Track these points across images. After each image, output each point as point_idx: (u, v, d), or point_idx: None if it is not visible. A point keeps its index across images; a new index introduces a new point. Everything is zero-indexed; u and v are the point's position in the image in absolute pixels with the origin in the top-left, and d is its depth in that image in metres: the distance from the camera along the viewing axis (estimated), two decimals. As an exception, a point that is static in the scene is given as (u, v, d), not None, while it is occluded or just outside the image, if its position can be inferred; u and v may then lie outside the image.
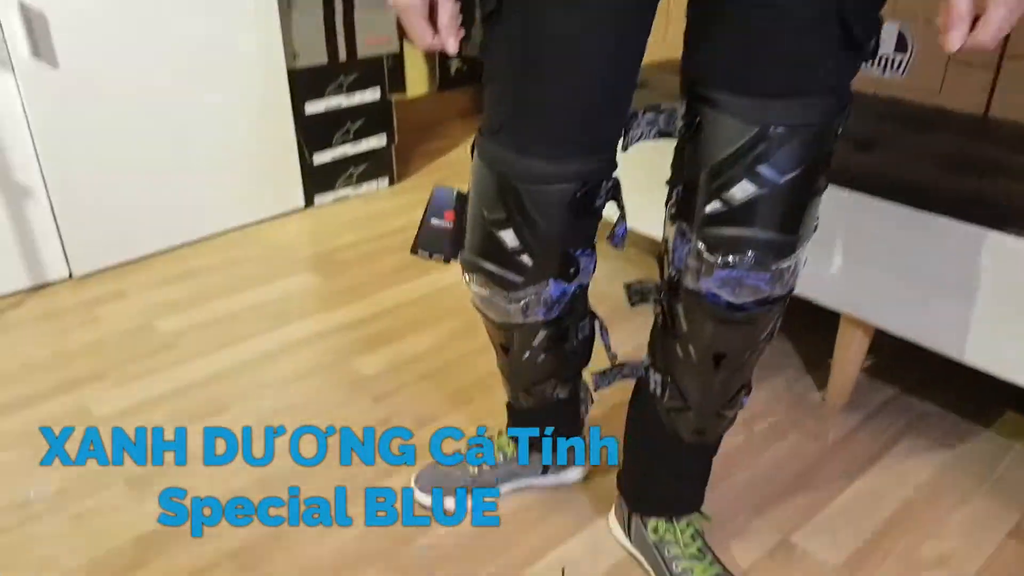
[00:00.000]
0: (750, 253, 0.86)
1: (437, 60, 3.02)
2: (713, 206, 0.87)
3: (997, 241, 1.24)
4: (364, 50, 2.36)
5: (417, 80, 3.11)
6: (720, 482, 1.37)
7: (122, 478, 1.39)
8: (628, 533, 1.22)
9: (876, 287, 1.40)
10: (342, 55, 2.32)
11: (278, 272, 2.07)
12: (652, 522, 1.18)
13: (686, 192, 0.91)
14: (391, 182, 2.59)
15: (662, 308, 1.01)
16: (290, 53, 2.22)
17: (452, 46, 0.86)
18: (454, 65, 3.07)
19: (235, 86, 2.13)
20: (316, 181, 2.40)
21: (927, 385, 1.63)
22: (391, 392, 1.62)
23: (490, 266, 1.00)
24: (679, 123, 0.91)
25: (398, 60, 3.04)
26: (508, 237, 0.96)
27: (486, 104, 0.93)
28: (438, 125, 3.16)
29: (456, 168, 2.75)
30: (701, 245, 0.89)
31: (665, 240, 0.98)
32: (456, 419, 1.54)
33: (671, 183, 0.95)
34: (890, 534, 1.28)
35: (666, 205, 0.97)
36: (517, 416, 1.28)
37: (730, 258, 0.87)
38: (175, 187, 2.11)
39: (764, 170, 0.82)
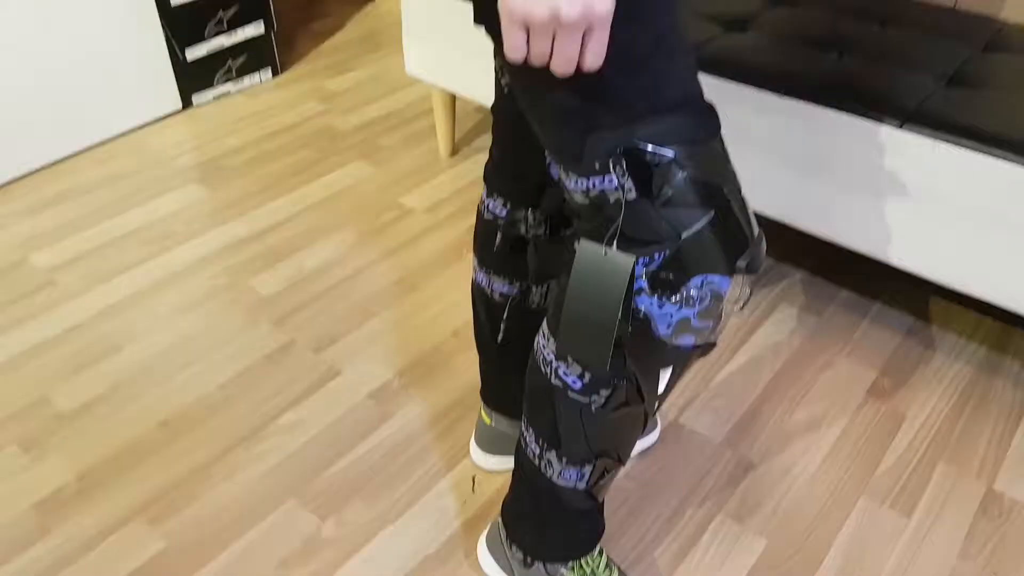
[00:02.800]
0: None
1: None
2: None
3: (852, 124, 1.28)
4: (229, -70, 2.16)
5: (294, -48, 2.88)
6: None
7: (15, 440, 1.35)
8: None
9: (760, 176, 1.43)
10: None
11: (160, 187, 1.96)
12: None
13: None
14: (275, 72, 2.44)
15: None
16: (145, -62, 2.01)
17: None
18: (332, -66, 2.84)
19: (87, -19, 1.94)
20: (191, 78, 2.24)
21: (795, 253, 1.74)
22: (290, 313, 1.59)
23: None
24: None
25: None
26: None
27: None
28: (319, 2, 2.96)
29: (345, 52, 2.61)
30: None
31: None
32: (358, 336, 1.53)
33: None
34: (766, 405, 1.40)
35: None
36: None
37: None
38: (36, 100, 1.94)
39: None
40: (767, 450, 1.32)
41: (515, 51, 0.66)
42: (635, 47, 0.71)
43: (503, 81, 0.97)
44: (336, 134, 2.17)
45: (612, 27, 0.68)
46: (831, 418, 1.38)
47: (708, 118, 0.77)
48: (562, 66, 0.66)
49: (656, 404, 0.90)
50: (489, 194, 1.06)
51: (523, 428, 0.98)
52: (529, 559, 1.07)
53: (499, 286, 1.10)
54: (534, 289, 1.10)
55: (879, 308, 1.59)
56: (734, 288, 0.79)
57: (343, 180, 1.98)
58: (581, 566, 1.07)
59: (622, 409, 0.88)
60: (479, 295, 1.14)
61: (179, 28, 2.16)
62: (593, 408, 0.87)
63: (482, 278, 1.11)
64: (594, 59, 0.66)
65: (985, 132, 1.22)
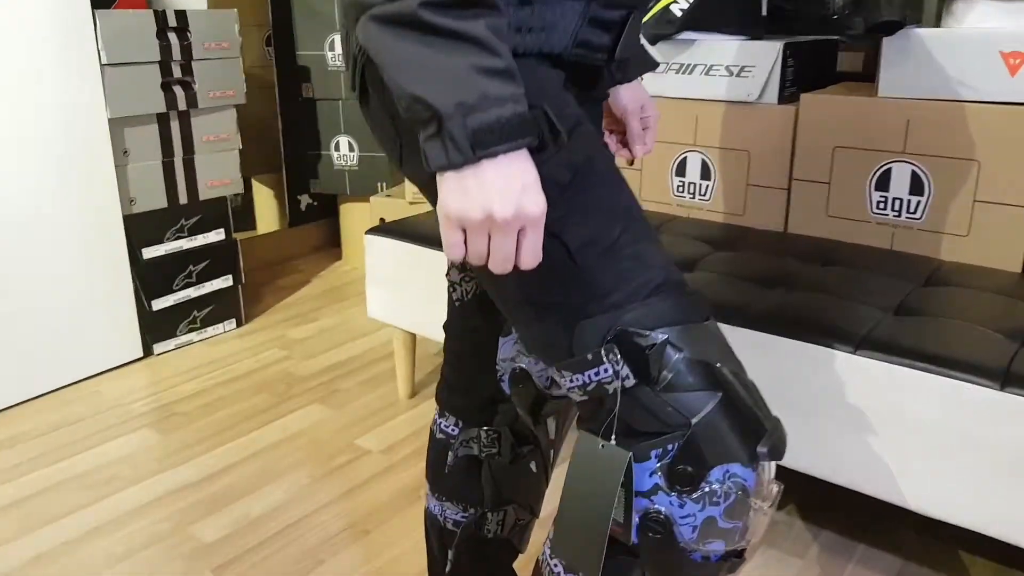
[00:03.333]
0: None
1: (287, 196, 3.00)
2: None
3: (806, 351, 1.32)
4: (206, 192, 2.31)
5: (268, 217, 3.07)
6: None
7: None
8: None
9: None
10: (183, 198, 2.26)
11: (109, 433, 1.92)
12: None
13: None
14: (239, 324, 2.50)
15: None
16: (126, 199, 2.15)
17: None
18: (304, 201, 3.05)
19: (65, 236, 2.03)
20: (156, 328, 2.29)
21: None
22: (233, 561, 1.50)
23: None
24: None
25: (247, 198, 3.00)
26: None
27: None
28: (289, 261, 3.11)
29: (307, 305, 2.69)
30: None
31: None
32: (304, 586, 1.44)
33: None
34: None
35: None
36: None
37: None
38: (-6, 345, 1.96)
39: None
40: None
41: (453, 249, 0.68)
42: (602, 234, 0.73)
43: (454, 296, 1.01)
44: (294, 379, 2.18)
45: (570, 222, 0.71)
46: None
47: (696, 301, 0.76)
48: (499, 264, 0.68)
49: None
50: (441, 414, 1.06)
51: None
52: None
53: (452, 513, 1.07)
54: (489, 516, 1.06)
55: (864, 550, 1.52)
56: (760, 482, 0.73)
57: (298, 424, 1.96)
58: None
59: None
60: (432, 525, 1.10)
61: (149, 280, 2.23)
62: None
63: (435, 506, 1.08)
64: (529, 258, 0.68)
65: (937, 355, 1.26)
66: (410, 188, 2.60)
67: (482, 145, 0.63)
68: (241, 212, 2.98)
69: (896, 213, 1.81)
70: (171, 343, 2.33)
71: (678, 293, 0.75)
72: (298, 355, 2.33)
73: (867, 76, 2.24)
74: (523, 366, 0.97)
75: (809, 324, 1.37)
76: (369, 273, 1.98)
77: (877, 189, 1.83)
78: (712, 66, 2.00)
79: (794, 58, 1.96)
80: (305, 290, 2.83)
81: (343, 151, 2.80)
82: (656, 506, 0.72)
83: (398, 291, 1.93)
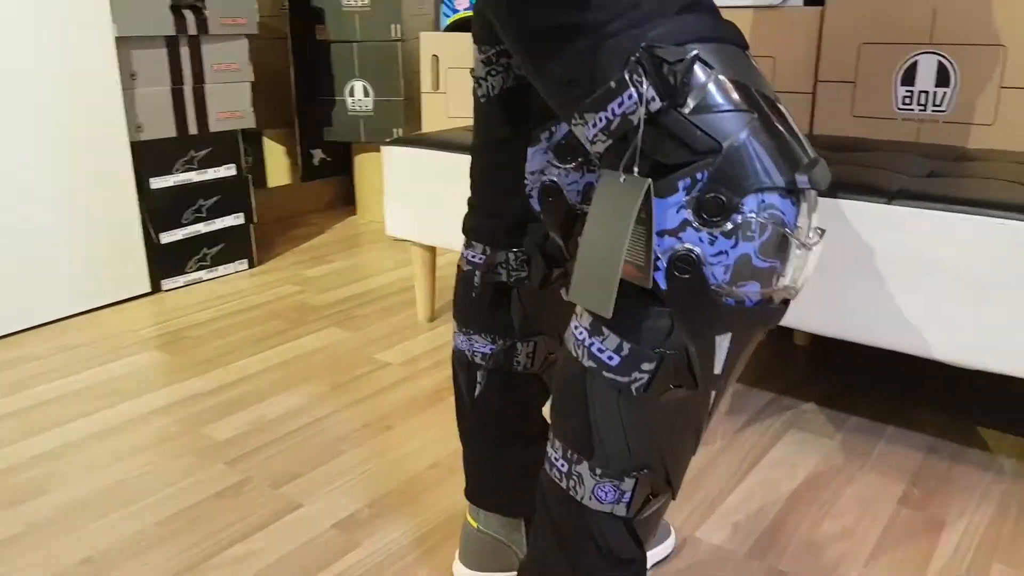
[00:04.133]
0: None
1: (299, 151, 2.94)
2: None
3: (839, 206, 1.23)
4: (217, 124, 2.24)
5: (279, 171, 3.00)
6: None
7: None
8: None
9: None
10: (192, 128, 2.19)
11: (116, 353, 1.83)
12: None
13: None
14: (251, 264, 2.42)
15: None
16: (133, 125, 2.08)
17: None
18: (317, 156, 2.99)
19: (69, 160, 1.96)
20: (163, 262, 2.21)
21: (798, 387, 1.64)
22: (248, 454, 1.41)
23: None
24: None
25: (258, 156, 2.94)
26: None
27: None
28: (302, 215, 3.04)
29: (321, 251, 2.61)
30: None
31: None
32: (323, 472, 1.34)
33: None
34: (789, 519, 1.22)
35: None
36: None
37: None
38: (1, 271, 1.88)
39: None
40: (799, 560, 1.11)
41: None
42: None
43: (479, 93, 0.93)
44: (310, 309, 2.09)
45: None
46: (864, 528, 1.19)
47: (728, 25, 0.68)
48: None
49: (713, 395, 0.71)
50: (467, 245, 0.97)
51: (549, 449, 0.78)
52: None
53: (480, 346, 0.98)
54: (519, 347, 0.97)
55: (893, 431, 1.46)
56: (800, 216, 0.65)
57: (315, 343, 1.88)
58: None
59: (670, 394, 0.69)
60: (460, 363, 1.01)
61: (157, 212, 2.16)
62: (634, 390, 0.69)
63: (462, 341, 0.99)
64: None
65: (970, 199, 1.18)
66: (428, 128, 2.53)
67: None
68: (252, 169, 2.91)
69: (922, 107, 1.75)
70: (180, 279, 2.25)
71: (712, 13, 0.67)
72: (313, 289, 2.24)
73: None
74: (553, 179, 0.89)
75: (843, 184, 1.29)
76: (388, 189, 1.90)
77: (903, 84, 1.76)
78: (738, -30, 1.94)
79: (823, -43, 1.90)
80: (319, 239, 2.75)
81: (358, 96, 2.73)
82: (685, 244, 0.65)
83: (418, 204, 1.85)
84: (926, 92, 1.74)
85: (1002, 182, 1.29)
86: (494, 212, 0.94)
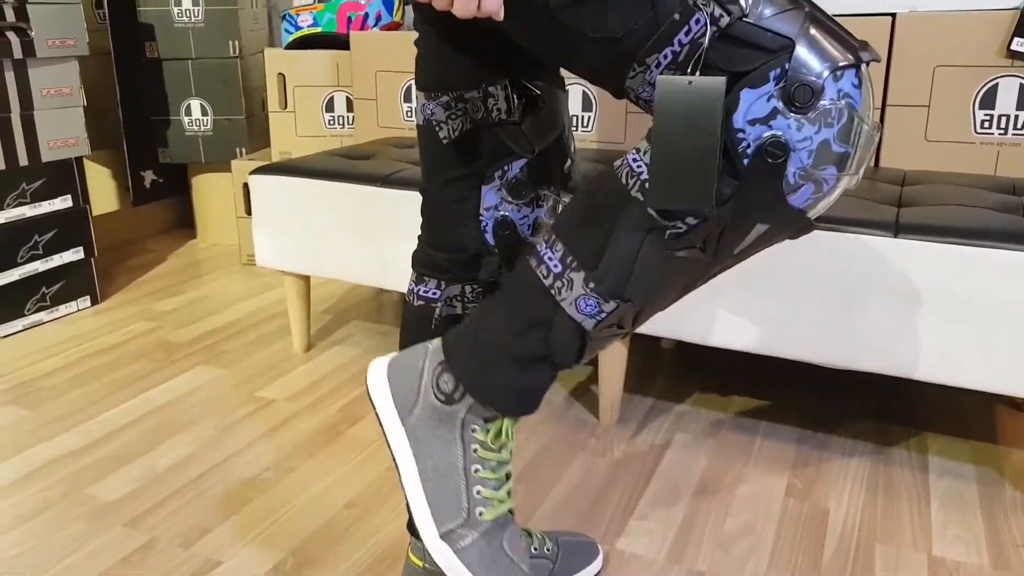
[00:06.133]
0: None
1: (128, 173, 2.77)
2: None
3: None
4: (49, 153, 2.09)
5: (105, 196, 2.81)
6: (538, 508, 1.34)
7: None
8: None
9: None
10: (23, 159, 2.03)
11: (-35, 411, 1.68)
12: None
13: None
14: (94, 301, 2.27)
15: None
16: (-46, 159, 1.90)
17: (501, 11, 0.74)
18: (148, 178, 2.83)
19: None
20: (0, 306, 2.03)
21: (674, 391, 1.78)
22: (147, 512, 1.35)
23: None
24: (499, 104, 0.90)
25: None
26: None
27: None
28: (136, 242, 2.87)
29: (168, 281, 2.49)
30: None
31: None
32: (236, 523, 1.32)
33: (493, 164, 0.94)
34: (696, 521, 1.34)
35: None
36: None
37: None
38: None
39: None
40: (713, 560, 1.24)
41: None
42: None
43: (441, 135, 0.96)
44: (172, 346, 2.01)
45: None
46: (762, 522, 1.33)
47: None
48: (461, 8, 0.71)
49: (718, 268, 0.81)
50: (419, 280, 1.01)
51: (541, 248, 0.84)
52: (458, 394, 0.88)
53: None
54: None
55: (766, 425, 1.63)
56: (866, 99, 0.73)
57: (188, 384, 1.81)
58: (499, 435, 0.89)
59: (690, 252, 0.77)
60: None
61: (-13, 252, 1.98)
62: (667, 235, 0.76)
63: None
64: (490, 2, 0.71)
65: (830, 216, 1.36)
66: (277, 148, 2.48)
67: None
68: (82, 182, 2.70)
69: (1002, 131, 1.76)
70: (18, 323, 2.08)
71: None
72: (170, 325, 2.14)
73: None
74: (507, 214, 0.96)
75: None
76: (256, 218, 1.85)
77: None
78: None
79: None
80: (162, 267, 2.62)
81: (195, 115, 2.62)
82: (775, 130, 0.72)
83: (289, 233, 1.82)
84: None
85: (844, 197, 1.47)
86: (449, 248, 0.99)
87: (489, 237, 0.98)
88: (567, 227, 0.83)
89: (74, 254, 2.19)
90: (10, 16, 1.94)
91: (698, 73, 0.73)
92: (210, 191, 2.77)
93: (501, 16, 0.73)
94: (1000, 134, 1.74)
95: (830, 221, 1.34)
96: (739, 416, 1.67)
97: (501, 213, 0.96)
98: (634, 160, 0.79)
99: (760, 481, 1.44)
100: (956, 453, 1.52)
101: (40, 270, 2.10)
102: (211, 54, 2.57)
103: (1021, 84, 1.70)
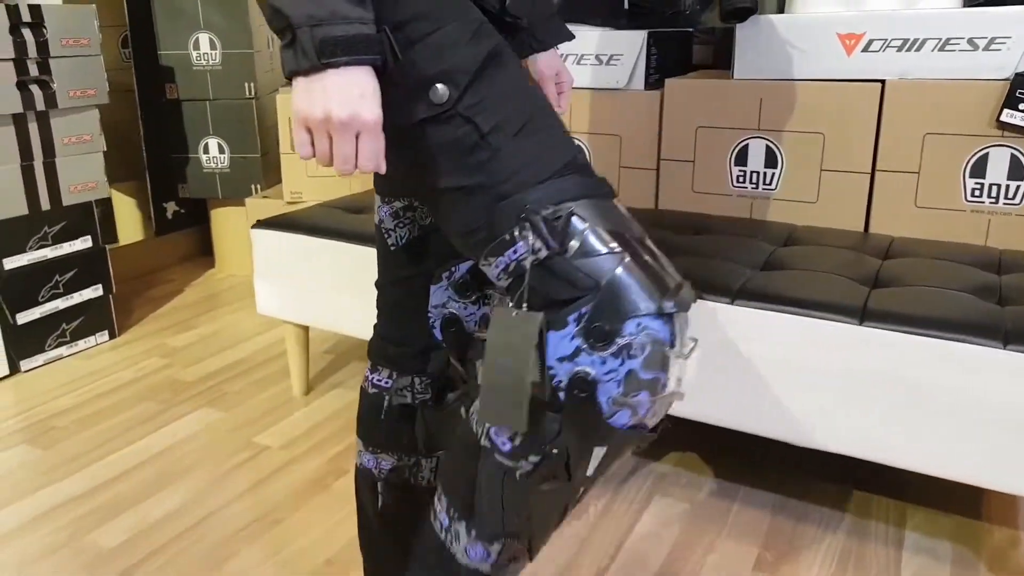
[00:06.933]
0: None
1: (151, 204, 2.89)
2: None
3: (713, 310, 1.42)
4: (70, 197, 2.20)
5: (130, 226, 2.94)
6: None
7: None
8: None
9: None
10: (45, 204, 2.14)
11: (-18, 451, 1.80)
12: None
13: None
14: (112, 335, 2.39)
15: None
16: (-19, 206, 2.02)
17: (384, 166, 0.81)
18: (171, 209, 2.95)
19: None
20: (21, 343, 2.15)
21: (658, 450, 1.81)
22: (139, 563, 1.45)
23: None
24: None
25: (107, 209, 2.86)
26: None
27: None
28: (157, 272, 2.99)
29: (183, 314, 2.60)
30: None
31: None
32: (220, 579, 1.41)
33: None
34: None
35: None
36: None
37: None
38: None
39: None
40: (662, 634, 1.29)
41: (302, 148, 0.78)
42: (512, 119, 0.81)
43: (389, 242, 1.03)
44: (180, 386, 2.11)
45: (481, 108, 0.80)
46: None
47: (598, 182, 0.84)
48: (340, 163, 0.77)
49: (581, 489, 0.87)
50: (373, 369, 1.08)
51: (435, 500, 0.92)
52: None
53: (387, 464, 1.08)
54: (423, 463, 1.09)
55: (745, 491, 1.66)
56: (675, 334, 0.79)
57: (189, 428, 1.91)
58: None
59: (547, 483, 0.84)
60: (365, 481, 1.11)
61: (13, 292, 2.10)
62: (518, 475, 0.83)
63: (368, 460, 1.09)
64: (366, 161, 0.77)
65: (793, 298, 1.40)
66: (288, 187, 2.57)
67: (327, 55, 0.73)
68: (105, 221, 2.83)
69: (754, 185, 1.98)
70: (39, 359, 2.20)
71: (583, 173, 0.83)
72: (180, 362, 2.25)
73: (718, 65, 2.42)
74: (454, 311, 1.02)
75: (693, 282, 1.48)
76: (257, 269, 1.94)
77: (736, 164, 1.98)
78: (582, 55, 2.11)
79: (657, 47, 2.09)
80: (179, 299, 2.73)
81: (213, 153, 2.73)
82: (580, 367, 0.78)
83: (288, 285, 1.91)
84: (757, 172, 1.96)
85: (827, 275, 1.52)
86: (400, 341, 1.06)
87: (437, 333, 1.04)
88: (446, 477, 0.91)
89: (93, 291, 2.30)
90: (33, 70, 2.05)
91: (526, 292, 0.80)
92: (228, 224, 2.88)
93: (383, 170, 0.80)
94: (991, 203, 1.78)
95: (801, 305, 1.39)
96: (719, 479, 1.70)
97: (448, 310, 1.03)
98: (476, 425, 0.86)
99: (731, 553, 1.47)
100: (935, 529, 1.54)
101: (60, 308, 2.22)
102: (228, 95, 2.67)
103: (1012, 154, 1.74)
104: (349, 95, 0.74)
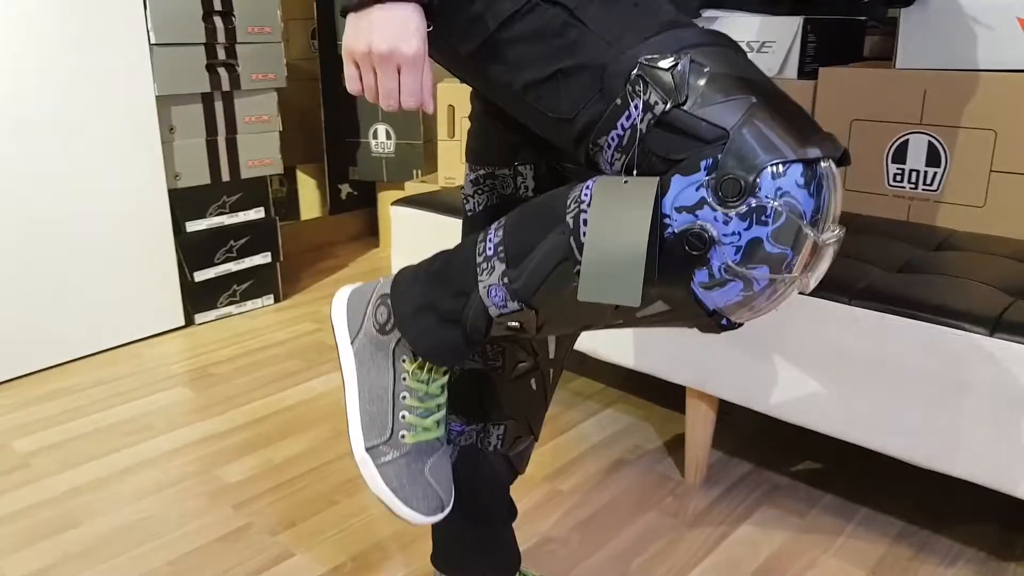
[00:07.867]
0: None
1: (327, 185, 3.11)
2: None
3: (826, 310, 1.34)
4: (247, 171, 2.42)
5: (311, 204, 3.18)
6: (582, 562, 1.38)
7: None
8: None
9: (718, 359, 1.47)
10: (225, 176, 2.38)
11: (147, 389, 2.02)
12: None
13: None
14: (276, 299, 2.60)
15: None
16: (171, 174, 2.27)
17: (430, 104, 0.82)
18: (344, 190, 3.16)
19: (114, 207, 2.15)
20: (197, 298, 2.40)
21: (778, 459, 1.70)
22: (252, 499, 1.58)
23: None
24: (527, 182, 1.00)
25: (291, 188, 3.12)
26: None
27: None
28: (328, 247, 3.21)
29: (343, 285, 2.78)
30: None
31: None
32: (318, 521, 1.50)
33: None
34: None
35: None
36: None
37: None
38: (48, 308, 2.08)
39: None
40: (732, 635, 1.23)
41: (350, 82, 0.81)
42: None
43: (467, 207, 1.06)
44: (325, 348, 2.26)
45: None
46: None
47: (714, 32, 0.76)
48: (383, 98, 0.79)
49: (619, 321, 0.83)
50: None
51: (493, 226, 0.89)
52: (389, 326, 0.96)
53: (456, 426, 1.09)
54: (491, 429, 1.08)
55: (866, 512, 1.52)
56: (818, 209, 0.69)
57: (325, 386, 2.04)
58: (424, 370, 0.96)
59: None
60: None
61: (192, 252, 2.35)
62: (575, 268, 0.78)
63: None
64: (408, 96, 0.78)
65: (927, 304, 1.28)
66: (443, 174, 2.68)
67: None
68: (286, 201, 3.10)
69: (913, 185, 1.82)
70: (211, 314, 2.44)
71: (693, 26, 0.77)
72: (329, 328, 2.41)
73: (891, 58, 2.25)
74: None
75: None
76: (395, 245, 2.05)
77: (894, 161, 1.84)
78: (738, 43, 2.04)
79: (815, 34, 1.99)
80: (341, 273, 2.92)
81: (380, 139, 2.90)
82: (699, 221, 0.71)
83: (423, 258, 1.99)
84: (916, 171, 1.80)
85: (975, 283, 1.37)
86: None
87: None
88: (514, 218, 0.87)
89: (262, 258, 2.52)
90: (221, 55, 2.28)
91: (635, 154, 0.74)
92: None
93: (429, 109, 0.81)
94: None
95: (923, 309, 1.27)
96: (838, 496, 1.57)
97: None
98: (586, 189, 0.79)
99: (832, 573, 1.36)
100: (1073, 574, 1.35)
101: (232, 270, 2.45)
102: (399, 83, 2.82)
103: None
104: (391, 29, 0.77)
